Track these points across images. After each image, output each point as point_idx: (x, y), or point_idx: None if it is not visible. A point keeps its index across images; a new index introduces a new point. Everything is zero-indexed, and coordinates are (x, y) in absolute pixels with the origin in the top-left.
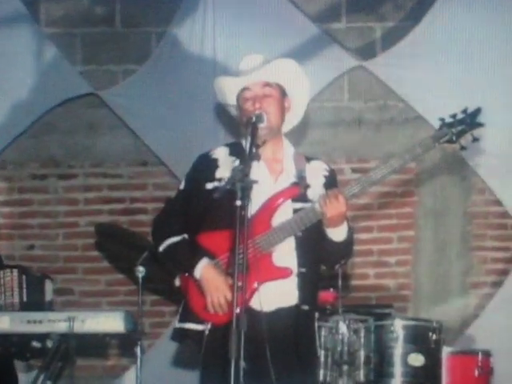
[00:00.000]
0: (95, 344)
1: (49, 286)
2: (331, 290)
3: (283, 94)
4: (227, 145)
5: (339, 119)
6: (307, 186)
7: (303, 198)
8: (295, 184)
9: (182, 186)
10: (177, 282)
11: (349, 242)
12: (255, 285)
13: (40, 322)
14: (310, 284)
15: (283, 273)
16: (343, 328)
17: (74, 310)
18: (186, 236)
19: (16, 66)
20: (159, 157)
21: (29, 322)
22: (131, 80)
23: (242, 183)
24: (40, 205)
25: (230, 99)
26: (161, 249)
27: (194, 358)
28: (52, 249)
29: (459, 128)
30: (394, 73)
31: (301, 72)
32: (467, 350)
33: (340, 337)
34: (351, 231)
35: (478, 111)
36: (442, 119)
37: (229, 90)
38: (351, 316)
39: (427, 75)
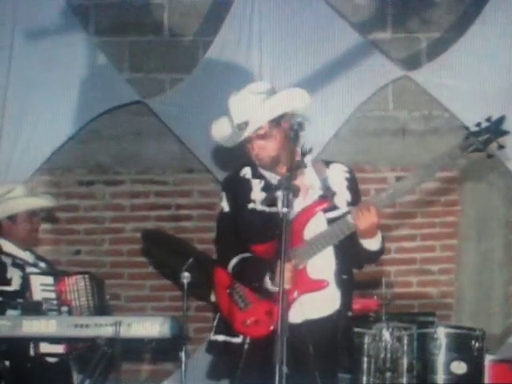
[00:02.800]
0: (140, 348)
1: (105, 287)
2: (375, 297)
3: (278, 121)
4: (247, 165)
5: (384, 128)
6: (334, 194)
7: (332, 206)
8: (323, 197)
9: (226, 209)
10: (212, 298)
11: (382, 251)
12: (295, 294)
13: (87, 326)
14: (350, 290)
15: (320, 285)
16: (386, 335)
17: (120, 315)
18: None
19: (65, 73)
20: (204, 164)
21: (76, 326)
22: (178, 88)
23: (288, 191)
24: (86, 211)
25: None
26: (231, 266)
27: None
28: (98, 254)
29: (485, 137)
30: (439, 83)
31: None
32: (510, 358)
33: (383, 344)
34: (383, 239)
35: (502, 119)
36: (467, 128)
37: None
38: (394, 323)
39: (471, 85)
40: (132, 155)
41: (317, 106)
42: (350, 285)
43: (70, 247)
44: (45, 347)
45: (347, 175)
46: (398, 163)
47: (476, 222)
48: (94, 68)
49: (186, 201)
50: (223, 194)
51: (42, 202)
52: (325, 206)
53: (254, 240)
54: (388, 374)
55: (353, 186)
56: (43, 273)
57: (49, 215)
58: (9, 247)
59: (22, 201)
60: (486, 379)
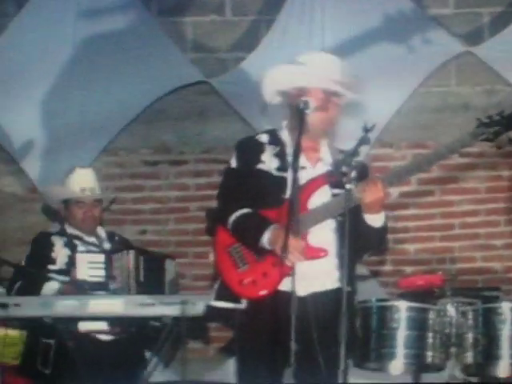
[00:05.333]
0: (205, 327)
1: (170, 265)
2: (439, 273)
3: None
4: (266, 132)
5: (446, 104)
6: (343, 174)
7: (340, 184)
8: (332, 171)
9: (234, 165)
10: (211, 257)
11: (385, 230)
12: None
13: (153, 305)
14: (350, 265)
15: (319, 252)
16: (451, 311)
17: (186, 294)
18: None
19: (128, 53)
20: None
21: (142, 305)
22: (241, 67)
23: (352, 167)
24: (151, 190)
25: (285, 85)
26: (231, 220)
27: None
28: (163, 234)
29: (496, 128)
30: (502, 58)
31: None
32: None
33: (448, 319)
34: (386, 220)
35: None
36: (479, 119)
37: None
38: (459, 299)
39: None
40: (196, 135)
41: (380, 83)
42: (350, 260)
43: (135, 227)
44: (86, 325)
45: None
46: None
47: None
48: (158, 48)
49: None
50: (234, 153)
51: (86, 192)
52: (332, 179)
53: (258, 203)
54: (453, 349)
55: (362, 176)
56: (92, 251)
57: (113, 197)
58: (67, 227)
59: (72, 188)
60: None
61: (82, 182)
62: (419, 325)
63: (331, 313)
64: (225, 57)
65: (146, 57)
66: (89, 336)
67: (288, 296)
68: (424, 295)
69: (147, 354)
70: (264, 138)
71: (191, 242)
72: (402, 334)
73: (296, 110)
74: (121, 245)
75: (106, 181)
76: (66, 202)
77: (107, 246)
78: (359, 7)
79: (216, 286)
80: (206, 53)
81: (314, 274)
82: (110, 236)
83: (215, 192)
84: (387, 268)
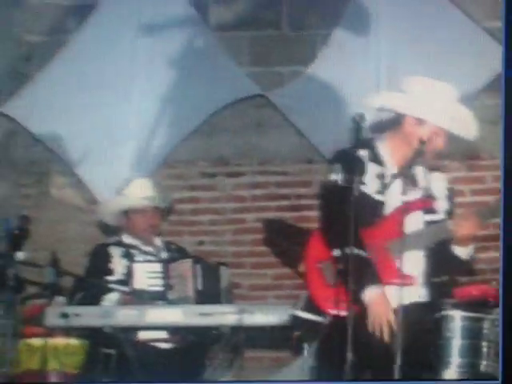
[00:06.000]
0: (262, 336)
1: (224, 272)
2: (493, 283)
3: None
4: (363, 144)
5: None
6: (434, 199)
7: (432, 209)
8: (427, 197)
9: (339, 181)
10: (301, 268)
11: (472, 261)
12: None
13: (211, 314)
14: (439, 294)
15: (407, 279)
16: None
17: (242, 303)
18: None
19: (185, 67)
20: (323, 154)
21: (200, 314)
22: (297, 81)
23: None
24: (209, 202)
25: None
26: (337, 253)
27: None
28: (221, 244)
29: None
30: None
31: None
32: None
33: None
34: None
35: None
36: None
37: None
38: None
39: None
40: (253, 147)
41: None
42: (436, 289)
43: (193, 238)
44: (145, 334)
45: (448, 185)
46: None
47: None
48: (215, 62)
49: (305, 191)
50: (336, 166)
51: (146, 202)
52: (427, 205)
53: (358, 222)
54: None
55: (452, 196)
56: (150, 261)
57: (171, 207)
58: (125, 238)
59: (132, 198)
60: None
61: (143, 191)
62: (474, 334)
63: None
64: (281, 71)
65: (204, 71)
66: (148, 345)
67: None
68: (478, 305)
69: (206, 363)
70: (364, 154)
71: (248, 252)
72: (456, 343)
73: (414, 143)
74: (178, 254)
75: (164, 192)
76: (126, 212)
77: (164, 255)
78: (415, 24)
79: (303, 298)
80: (262, 67)
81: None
82: (167, 245)
83: (271, 203)
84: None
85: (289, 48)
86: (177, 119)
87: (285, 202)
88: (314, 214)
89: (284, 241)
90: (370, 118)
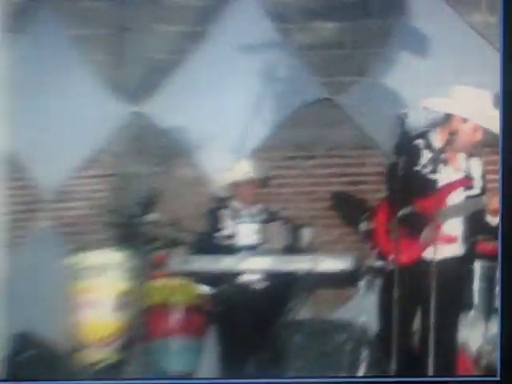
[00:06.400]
0: (333, 278)
1: (304, 231)
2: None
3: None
4: (420, 135)
5: None
6: (472, 179)
7: (470, 187)
8: (466, 177)
9: (397, 162)
10: (361, 227)
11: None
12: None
13: (294, 262)
14: (472, 250)
15: (451, 239)
16: None
17: (317, 254)
18: None
19: (276, 76)
20: (377, 143)
21: (286, 262)
22: (356, 88)
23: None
24: (291, 178)
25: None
26: (400, 213)
27: None
28: (300, 210)
29: None
30: None
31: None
32: None
33: None
34: None
35: None
36: None
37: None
38: None
39: None
40: (323, 137)
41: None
42: (472, 247)
43: (280, 205)
44: (244, 277)
45: (482, 168)
46: None
47: None
48: (297, 74)
49: (362, 170)
50: (399, 151)
51: (249, 176)
52: (467, 184)
53: (416, 195)
54: None
55: (485, 176)
56: (250, 221)
57: (266, 182)
58: (232, 204)
59: (238, 174)
60: None
61: (246, 169)
62: (489, 279)
63: (454, 278)
64: (343, 80)
65: (287, 80)
66: (246, 286)
67: (426, 264)
68: (493, 258)
69: (290, 301)
70: (420, 142)
71: (320, 216)
72: (477, 285)
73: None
74: (270, 216)
75: (260, 170)
76: (234, 184)
77: (261, 217)
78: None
79: (375, 249)
80: (330, 77)
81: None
82: (263, 210)
83: (337, 179)
84: None
85: (350, 62)
86: (269, 114)
87: (346, 179)
88: (368, 187)
89: (346, 207)
90: (421, 117)
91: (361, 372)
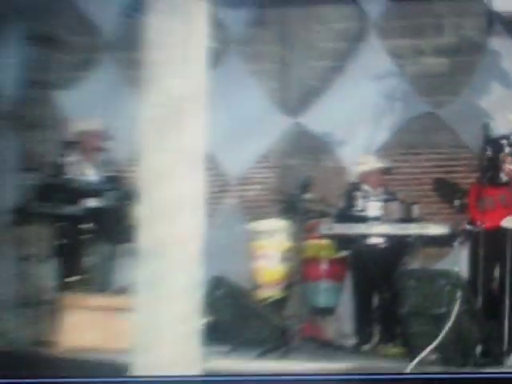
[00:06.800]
0: (435, 241)
1: (414, 207)
2: None
3: None
4: (504, 137)
5: None
6: None
7: None
8: None
9: (487, 153)
10: (455, 203)
11: None
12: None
13: (406, 229)
14: None
15: None
16: None
17: (423, 223)
18: None
19: (395, 95)
20: (467, 144)
21: (400, 228)
22: (452, 105)
23: None
24: (405, 168)
25: None
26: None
27: None
28: (410, 192)
29: None
30: None
31: None
32: None
33: None
34: None
35: None
36: None
37: None
38: None
39: None
40: (426, 139)
41: None
42: None
43: (397, 188)
44: (372, 240)
45: None
46: None
47: None
48: (405, 93)
49: (455, 163)
50: (487, 148)
51: (377, 166)
52: None
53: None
54: None
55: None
56: (376, 200)
57: (388, 171)
58: (363, 187)
59: (369, 164)
60: None
61: (374, 160)
62: None
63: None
64: (443, 99)
65: (401, 100)
66: (373, 245)
67: (504, 230)
68: None
69: (404, 256)
70: (503, 142)
71: (424, 195)
72: None
73: None
74: (391, 196)
75: (384, 162)
76: (367, 172)
77: (384, 197)
78: None
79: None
80: (431, 97)
81: None
82: (385, 191)
83: (437, 169)
84: None
85: (448, 86)
86: (389, 123)
87: (444, 169)
88: (460, 175)
89: (444, 189)
90: (505, 127)
91: (455, 307)
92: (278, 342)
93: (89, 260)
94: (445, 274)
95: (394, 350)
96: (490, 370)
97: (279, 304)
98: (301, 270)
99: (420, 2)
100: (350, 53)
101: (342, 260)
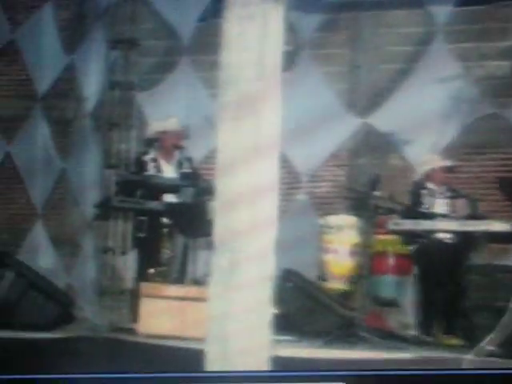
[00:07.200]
0: (494, 237)
1: (471, 203)
2: None
3: None
4: None
5: None
6: None
7: None
8: None
9: None
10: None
11: None
12: None
13: (466, 225)
14: None
15: None
16: None
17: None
18: None
19: (448, 96)
20: None
21: (461, 225)
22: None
23: None
24: (465, 167)
25: None
26: None
27: None
28: (468, 190)
29: None
30: None
31: None
32: None
33: None
34: None
35: None
36: None
37: None
38: None
39: None
40: (490, 140)
41: None
42: None
43: (453, 186)
44: (438, 235)
45: None
46: None
47: None
48: (470, 95)
49: (507, 162)
50: None
51: (440, 164)
52: None
53: None
54: None
55: None
56: (442, 197)
57: (452, 169)
58: (428, 185)
59: (431, 163)
60: None
61: (439, 160)
62: None
63: None
64: (506, 100)
65: (467, 102)
66: (439, 241)
67: None
68: None
69: (470, 251)
70: None
71: (489, 193)
72: None
73: None
74: (455, 194)
75: (449, 161)
76: (430, 170)
77: (449, 194)
78: None
79: None
80: (495, 98)
81: None
82: (450, 189)
83: (500, 169)
84: None
85: (511, 88)
86: (455, 124)
87: (507, 168)
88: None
89: (507, 187)
90: None
91: None
92: (344, 331)
93: (167, 252)
94: (507, 269)
95: (455, 341)
96: None
97: (347, 296)
98: (368, 263)
99: (485, 6)
100: (417, 56)
101: (408, 255)
